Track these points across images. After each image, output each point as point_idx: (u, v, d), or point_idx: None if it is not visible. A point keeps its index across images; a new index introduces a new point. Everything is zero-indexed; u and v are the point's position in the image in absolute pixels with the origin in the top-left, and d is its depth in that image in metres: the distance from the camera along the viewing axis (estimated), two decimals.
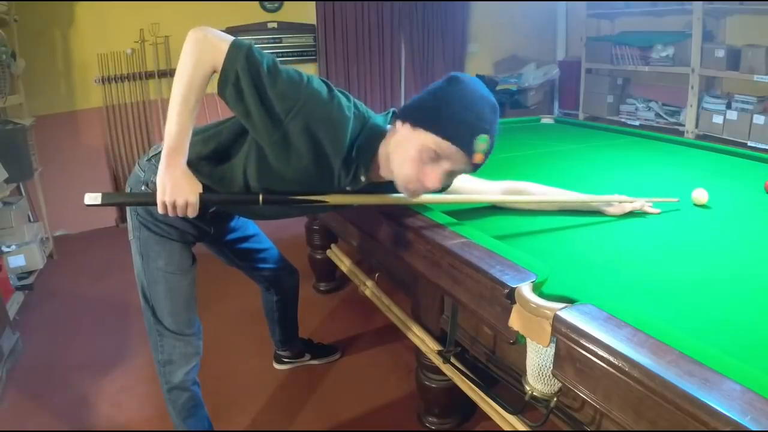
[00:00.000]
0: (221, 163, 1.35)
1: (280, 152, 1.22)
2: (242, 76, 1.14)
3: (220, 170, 1.35)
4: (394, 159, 1.23)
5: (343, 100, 1.22)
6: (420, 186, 1.22)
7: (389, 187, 1.34)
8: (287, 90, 1.15)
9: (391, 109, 1.35)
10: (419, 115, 1.19)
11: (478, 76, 4.73)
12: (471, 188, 1.55)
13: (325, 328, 2.50)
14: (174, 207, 1.20)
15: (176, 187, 1.19)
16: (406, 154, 1.19)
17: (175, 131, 1.17)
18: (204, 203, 1.24)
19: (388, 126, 1.30)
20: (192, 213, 1.22)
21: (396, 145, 1.22)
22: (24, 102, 3.23)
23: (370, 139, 1.25)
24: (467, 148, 1.16)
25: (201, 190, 1.23)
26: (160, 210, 1.21)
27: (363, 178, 1.29)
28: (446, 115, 1.16)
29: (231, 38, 1.16)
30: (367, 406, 1.98)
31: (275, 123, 1.17)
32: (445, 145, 1.16)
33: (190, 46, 1.16)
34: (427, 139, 1.17)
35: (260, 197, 1.28)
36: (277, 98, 1.15)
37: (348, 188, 1.33)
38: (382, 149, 1.27)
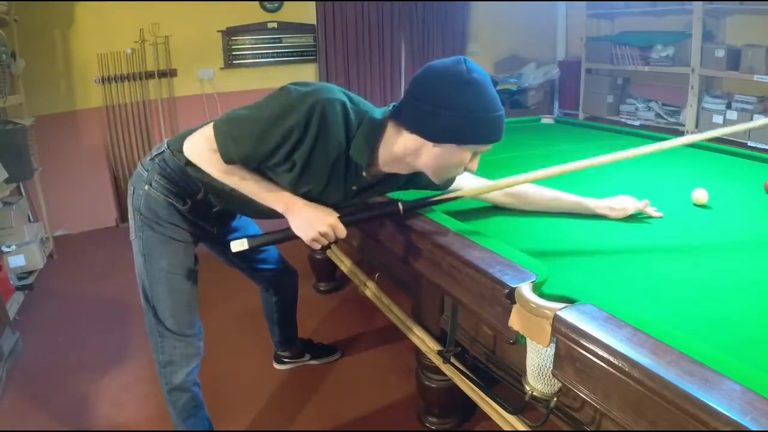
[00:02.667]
0: None
1: (300, 176, 1.28)
2: (241, 152, 1.22)
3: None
4: (439, 170, 1.27)
5: (336, 100, 1.20)
6: (460, 173, 1.33)
7: (392, 179, 1.38)
8: (282, 133, 1.18)
9: (392, 104, 1.33)
10: (457, 135, 1.18)
11: None
12: (477, 187, 1.54)
13: (325, 328, 2.50)
14: (323, 236, 1.27)
15: (313, 221, 1.26)
16: (453, 166, 1.26)
17: (272, 198, 1.30)
18: (348, 224, 1.31)
19: (388, 123, 1.28)
20: (342, 231, 1.29)
21: (436, 159, 1.23)
22: (24, 102, 3.23)
23: (366, 135, 1.25)
24: (501, 137, 1.23)
25: (335, 212, 1.30)
26: (316, 246, 1.29)
27: (365, 174, 1.31)
28: (480, 125, 1.18)
29: (209, 129, 1.24)
30: (367, 407, 1.98)
31: (287, 166, 1.25)
32: (487, 147, 1.24)
33: (197, 160, 1.31)
34: (470, 149, 1.22)
35: (400, 207, 1.36)
36: (277, 145, 1.20)
37: (354, 187, 1.34)
38: (387, 147, 1.26)
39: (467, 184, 1.49)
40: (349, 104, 1.23)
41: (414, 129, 1.20)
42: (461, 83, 1.16)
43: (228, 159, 1.23)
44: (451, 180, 1.45)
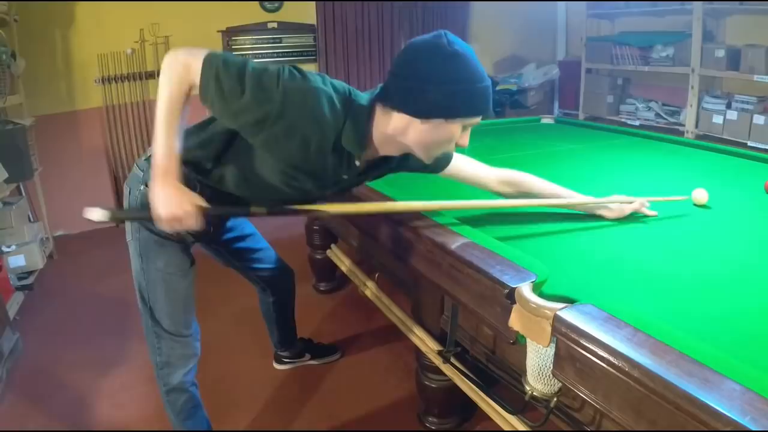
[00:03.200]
0: (218, 163, 1.36)
1: (269, 152, 1.25)
2: (215, 95, 1.16)
3: (218, 171, 1.35)
4: (429, 148, 1.25)
5: (321, 90, 1.19)
6: (452, 149, 1.30)
7: (385, 162, 1.37)
8: (260, 97, 1.15)
9: (379, 86, 1.29)
10: (443, 109, 1.16)
11: None
12: (472, 171, 1.54)
13: (325, 328, 2.50)
14: (175, 221, 1.18)
15: (172, 201, 1.17)
16: (444, 142, 1.23)
17: (162, 153, 1.18)
18: (206, 216, 1.22)
19: (376, 107, 1.25)
20: (194, 224, 1.20)
21: (425, 136, 1.21)
22: (24, 102, 3.23)
23: (356, 123, 1.23)
24: (489, 109, 1.21)
25: (200, 202, 1.21)
26: (164, 227, 1.20)
27: (358, 163, 1.29)
28: (466, 97, 1.17)
29: (202, 54, 1.17)
30: (367, 407, 1.98)
31: (255, 131, 1.19)
32: (476, 120, 1.21)
33: (164, 69, 1.18)
34: (458, 123, 1.20)
35: (261, 209, 1.29)
36: (251, 107, 1.16)
37: (345, 176, 1.33)
38: (377, 130, 1.25)
39: (463, 167, 1.52)
40: (334, 96, 1.21)
41: (400, 107, 1.19)
42: (443, 56, 1.15)
43: (204, 95, 1.17)
44: (445, 161, 1.45)
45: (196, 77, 1.16)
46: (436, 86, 1.14)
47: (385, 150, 1.30)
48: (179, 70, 1.17)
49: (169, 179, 1.18)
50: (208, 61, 1.16)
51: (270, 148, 1.24)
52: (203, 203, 1.21)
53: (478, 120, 1.22)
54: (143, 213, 1.28)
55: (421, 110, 1.17)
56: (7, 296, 2.61)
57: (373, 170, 1.40)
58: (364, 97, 1.27)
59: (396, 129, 1.22)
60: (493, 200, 1.60)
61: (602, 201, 1.62)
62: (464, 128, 1.22)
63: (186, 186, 1.43)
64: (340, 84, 1.26)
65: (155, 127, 1.19)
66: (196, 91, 1.18)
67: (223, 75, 1.15)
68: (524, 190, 1.59)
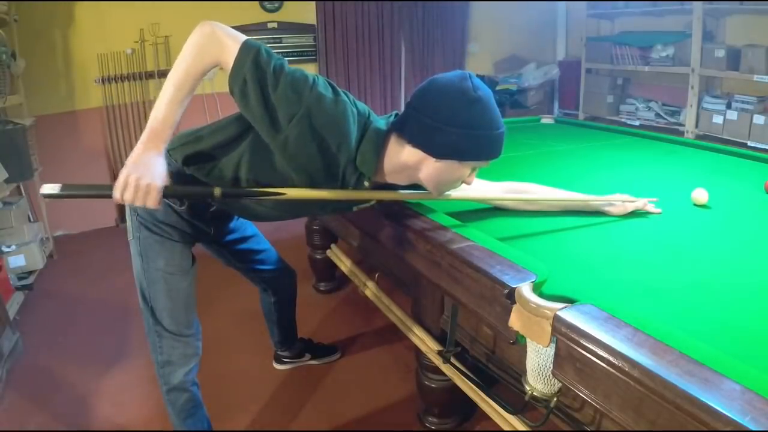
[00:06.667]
0: (218, 158, 1.35)
1: (285, 154, 1.23)
2: (249, 80, 1.14)
3: (218, 167, 1.35)
4: (439, 184, 1.29)
5: (348, 105, 1.21)
6: (458, 186, 1.34)
7: (391, 188, 1.37)
8: (290, 96, 1.15)
9: (394, 112, 1.34)
10: (460, 152, 1.21)
11: (477, 76, 4.74)
12: (474, 189, 1.55)
13: (325, 328, 2.50)
14: (136, 187, 1.11)
15: (147, 167, 1.13)
16: (453, 180, 1.29)
17: (162, 116, 1.16)
18: (165, 196, 1.18)
19: (391, 135, 1.27)
20: (152, 201, 1.13)
21: (437, 173, 1.25)
22: (24, 102, 3.23)
23: (374, 146, 1.25)
24: (500, 153, 1.25)
25: (166, 182, 1.16)
26: (117, 188, 1.12)
27: (367, 184, 1.31)
28: (483, 142, 1.21)
29: (241, 38, 1.17)
30: (367, 406, 1.98)
31: (278, 128, 1.18)
32: (485, 162, 1.26)
33: (197, 38, 1.17)
34: (470, 165, 1.25)
35: (218, 191, 1.23)
36: (279, 104, 1.15)
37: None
38: (389, 158, 1.27)
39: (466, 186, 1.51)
40: (357, 114, 1.23)
41: (417, 143, 1.22)
42: (467, 101, 1.17)
43: (236, 77, 1.14)
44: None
45: (228, 56, 1.15)
46: (456, 129, 1.17)
47: (393, 178, 1.32)
48: (213, 45, 1.16)
49: (154, 145, 1.15)
50: (248, 45, 1.15)
51: (285, 150, 1.21)
52: (168, 182, 1.17)
53: (488, 163, 1.26)
54: (100, 189, 1.21)
55: (437, 150, 1.20)
56: (7, 296, 2.61)
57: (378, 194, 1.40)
58: (381, 122, 1.29)
59: (408, 162, 1.25)
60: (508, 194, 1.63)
61: (606, 199, 1.63)
62: (473, 169, 1.27)
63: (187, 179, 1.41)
64: (362, 105, 1.28)
65: (164, 88, 1.17)
66: (224, 67, 1.16)
67: (263, 62, 1.14)
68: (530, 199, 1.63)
